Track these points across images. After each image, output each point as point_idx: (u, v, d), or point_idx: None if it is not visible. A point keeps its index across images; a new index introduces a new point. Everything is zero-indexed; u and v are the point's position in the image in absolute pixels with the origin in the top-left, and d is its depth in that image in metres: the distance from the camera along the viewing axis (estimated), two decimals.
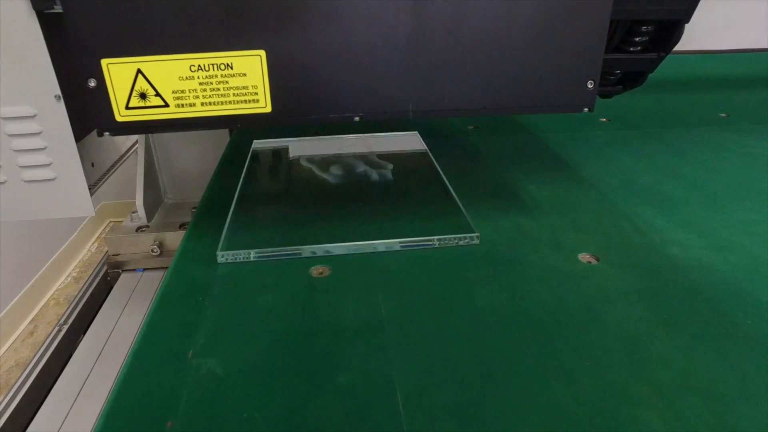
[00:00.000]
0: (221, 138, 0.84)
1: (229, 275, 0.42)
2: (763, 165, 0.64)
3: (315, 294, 0.40)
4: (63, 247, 2.13)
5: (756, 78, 1.06)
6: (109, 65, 0.36)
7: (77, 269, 2.16)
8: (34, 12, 0.53)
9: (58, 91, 0.57)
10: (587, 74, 0.40)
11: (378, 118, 0.38)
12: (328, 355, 0.34)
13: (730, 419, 0.29)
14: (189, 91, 0.37)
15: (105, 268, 0.80)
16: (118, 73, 0.36)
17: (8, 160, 0.61)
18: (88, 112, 0.71)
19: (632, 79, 0.49)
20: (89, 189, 0.64)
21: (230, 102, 0.37)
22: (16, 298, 1.83)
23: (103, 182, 0.73)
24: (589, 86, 0.40)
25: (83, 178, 0.64)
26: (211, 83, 0.36)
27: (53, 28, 0.56)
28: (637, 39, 0.45)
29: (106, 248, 0.85)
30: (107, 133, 0.39)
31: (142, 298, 0.74)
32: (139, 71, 0.36)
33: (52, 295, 2.00)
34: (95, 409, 0.56)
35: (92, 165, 0.68)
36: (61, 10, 0.55)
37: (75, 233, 2.22)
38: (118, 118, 0.38)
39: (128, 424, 0.29)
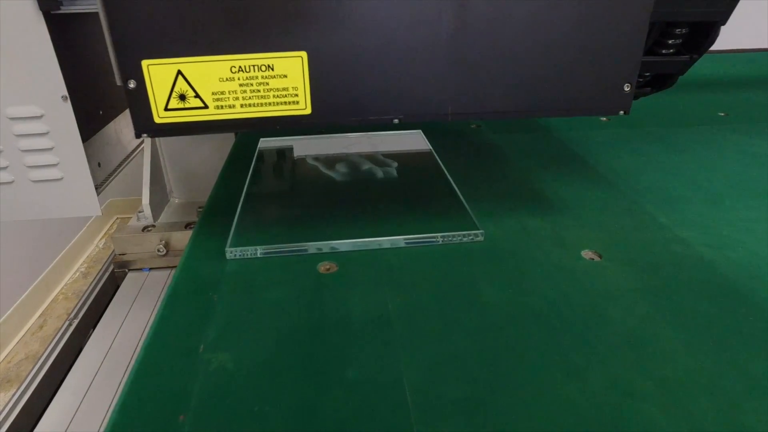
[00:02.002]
0: (227, 138, 0.84)
1: (237, 271, 0.42)
2: (762, 163, 0.64)
3: (323, 289, 0.40)
4: (71, 243, 2.14)
5: (754, 78, 1.06)
6: (149, 66, 0.36)
7: (85, 265, 2.16)
8: (41, 12, 0.53)
9: (65, 92, 0.57)
10: (624, 77, 0.39)
11: (416, 120, 0.38)
12: (337, 350, 0.34)
13: (734, 415, 0.29)
14: (229, 92, 0.36)
15: (111, 267, 0.80)
16: (159, 75, 0.36)
17: (16, 160, 0.61)
18: (93, 111, 0.71)
19: (661, 81, 0.48)
20: (96, 189, 0.64)
21: (270, 104, 0.36)
22: (26, 293, 1.83)
23: (110, 182, 0.73)
24: (626, 89, 0.40)
25: (90, 177, 0.64)
26: (252, 84, 0.36)
27: (60, 29, 0.56)
28: (670, 41, 0.45)
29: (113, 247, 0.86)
30: (145, 135, 0.38)
31: (148, 297, 0.74)
32: (179, 72, 0.36)
33: (61, 290, 2.00)
34: (106, 401, 0.56)
35: (99, 165, 0.69)
36: (68, 11, 0.55)
37: (83, 229, 2.22)
38: (157, 120, 0.37)
39: (141, 417, 0.29)
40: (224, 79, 0.36)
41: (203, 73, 0.36)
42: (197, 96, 0.37)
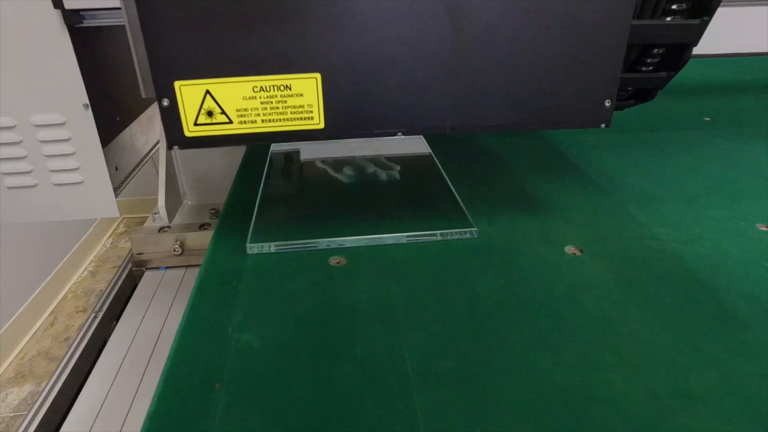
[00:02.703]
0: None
1: (257, 265, 0.48)
2: (738, 166, 0.70)
3: (334, 280, 0.46)
4: (79, 242, 2.20)
5: (741, 82, 1.11)
6: (181, 87, 0.41)
7: (93, 264, 2.23)
8: (65, 26, 0.59)
9: (87, 100, 0.63)
10: (605, 94, 0.45)
11: (418, 133, 0.44)
12: (347, 331, 0.40)
13: (682, 382, 0.35)
14: (251, 109, 0.42)
15: (130, 265, 0.86)
16: (189, 94, 0.42)
17: (39, 165, 0.66)
18: (111, 118, 0.76)
19: (643, 94, 0.54)
20: (114, 191, 0.70)
21: (288, 119, 0.42)
22: (36, 292, 1.90)
23: (126, 184, 0.79)
24: (607, 104, 0.45)
25: (109, 181, 0.70)
26: (271, 102, 0.42)
27: (81, 41, 0.62)
28: (648, 60, 0.50)
29: (124, 245, 0.91)
30: (176, 147, 0.44)
31: (165, 294, 0.80)
32: (207, 92, 0.41)
33: (70, 288, 2.07)
34: (133, 384, 0.62)
35: (116, 168, 0.74)
36: (89, 25, 0.60)
37: (90, 229, 2.29)
38: (187, 134, 0.43)
39: (184, 385, 0.35)
40: (247, 98, 0.42)
41: (229, 93, 0.42)
42: (223, 112, 0.43)
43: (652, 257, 0.49)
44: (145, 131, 0.93)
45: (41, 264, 1.95)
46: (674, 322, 0.41)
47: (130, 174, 0.85)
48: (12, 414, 1.50)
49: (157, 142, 1.00)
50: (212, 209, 0.88)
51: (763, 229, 0.55)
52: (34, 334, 1.82)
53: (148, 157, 0.96)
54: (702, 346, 0.38)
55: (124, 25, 0.58)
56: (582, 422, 0.32)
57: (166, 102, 0.44)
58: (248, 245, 0.50)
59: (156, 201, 0.79)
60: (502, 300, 0.43)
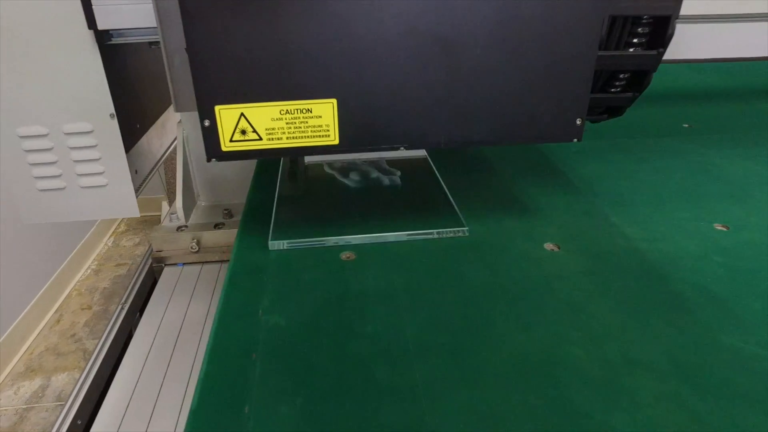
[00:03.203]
0: None
1: (279, 259, 0.57)
2: (707, 170, 0.79)
3: (345, 271, 0.55)
4: (82, 242, 2.29)
5: (721, 89, 1.21)
6: (220, 110, 0.50)
7: (96, 262, 2.32)
8: (96, 44, 0.67)
9: (113, 110, 0.72)
10: (576, 114, 0.54)
11: (416, 148, 0.53)
12: (358, 312, 0.49)
13: (630, 353, 0.44)
14: (278, 128, 0.51)
15: (150, 261, 0.94)
16: (227, 116, 0.50)
17: (68, 169, 0.75)
18: (132, 126, 0.85)
19: (614, 111, 0.63)
20: (135, 193, 0.79)
21: (308, 137, 0.51)
22: (42, 290, 1.99)
23: (144, 186, 0.88)
24: (578, 123, 0.54)
25: (131, 183, 0.78)
26: (295, 122, 0.50)
27: (109, 56, 0.70)
28: (616, 83, 0.59)
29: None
30: (214, 159, 0.53)
31: (185, 288, 0.89)
32: (242, 114, 0.50)
33: (74, 286, 2.16)
34: (162, 369, 0.70)
35: (135, 172, 0.83)
36: (117, 42, 0.69)
37: (92, 229, 2.38)
38: (224, 149, 0.52)
39: (226, 357, 0.44)
40: (275, 119, 0.51)
41: (259, 115, 0.51)
42: (254, 131, 0.52)
43: (620, 252, 0.59)
44: (159, 136, 1.03)
45: (46, 263, 2.04)
46: (630, 306, 0.50)
47: (147, 176, 0.94)
48: (25, 406, 1.59)
49: (169, 146, 1.10)
50: (225, 210, 0.97)
51: (719, 228, 0.64)
52: (41, 330, 1.91)
53: (161, 162, 1.06)
54: (650, 325, 0.47)
55: (145, 43, 0.67)
56: (549, 382, 0.42)
57: (207, 122, 0.53)
58: (270, 242, 0.59)
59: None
60: (488, 288, 0.52)
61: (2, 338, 1.73)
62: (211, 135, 0.51)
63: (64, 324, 1.95)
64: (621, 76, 0.57)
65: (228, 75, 0.48)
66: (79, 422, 0.67)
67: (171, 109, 1.07)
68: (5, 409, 1.58)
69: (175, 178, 0.99)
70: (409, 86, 0.50)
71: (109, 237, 2.49)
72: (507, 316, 0.49)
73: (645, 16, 0.52)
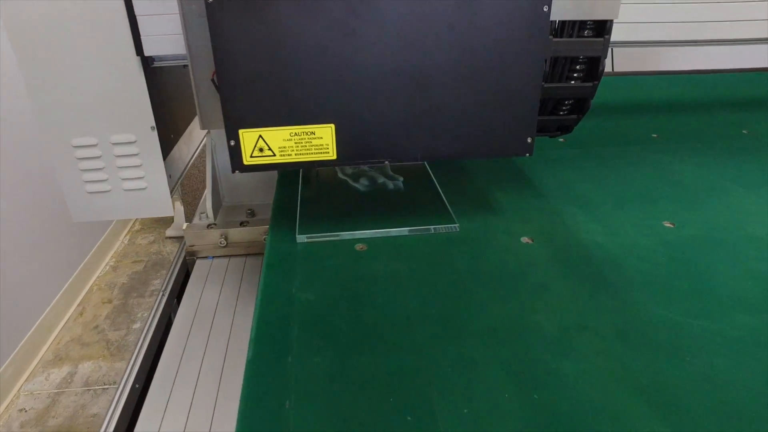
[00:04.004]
0: None
1: (305, 250, 0.71)
2: (666, 176, 0.92)
3: (360, 260, 0.68)
4: (100, 240, 2.42)
5: (689, 100, 1.34)
6: (243, 133, 0.64)
7: (113, 259, 2.45)
8: (141, 67, 0.80)
9: (153, 123, 0.85)
10: (527, 134, 0.67)
11: (398, 161, 0.67)
12: (370, 291, 0.62)
13: (582, 319, 0.58)
14: (288, 147, 0.64)
15: (184, 255, 1.08)
16: (248, 137, 0.64)
17: (113, 174, 0.87)
18: (168, 136, 0.97)
19: (564, 128, 0.77)
20: (169, 194, 0.92)
21: (311, 153, 0.65)
22: (65, 286, 2.13)
23: (176, 188, 1.01)
24: (528, 141, 0.68)
25: (167, 186, 0.91)
26: (302, 142, 0.64)
27: (151, 78, 0.83)
28: (563, 107, 0.73)
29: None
30: (238, 171, 0.66)
31: (215, 278, 1.02)
32: (260, 136, 0.64)
33: (95, 281, 2.29)
34: (201, 348, 0.83)
35: (169, 176, 0.96)
36: (158, 65, 0.82)
37: (109, 228, 2.51)
38: (245, 162, 0.65)
39: (270, 324, 0.58)
40: (285, 140, 0.64)
41: (274, 137, 0.64)
42: (269, 149, 0.65)
43: (582, 244, 0.72)
44: (187, 144, 1.17)
45: (68, 260, 2.17)
46: (585, 286, 0.63)
47: (178, 179, 1.08)
48: (56, 390, 1.72)
49: (194, 153, 1.23)
50: (248, 210, 1.11)
51: (667, 225, 0.77)
52: (66, 322, 2.05)
53: (188, 165, 1.20)
54: (599, 300, 0.61)
55: (180, 65, 0.80)
56: (516, 340, 0.55)
57: (233, 142, 0.66)
58: (297, 236, 0.73)
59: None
60: (473, 272, 0.66)
61: (32, 329, 1.87)
62: (235, 152, 0.65)
63: (86, 316, 2.09)
64: (566, 102, 0.71)
65: (249, 106, 0.62)
66: (137, 386, 0.81)
67: (196, 120, 1.21)
68: (39, 393, 1.72)
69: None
70: (390, 114, 0.64)
71: (125, 235, 2.62)
72: (487, 293, 0.62)
73: (580, 57, 0.65)
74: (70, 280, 2.14)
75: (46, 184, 2.01)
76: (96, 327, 2.02)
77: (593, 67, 0.66)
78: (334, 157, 0.65)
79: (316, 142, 0.64)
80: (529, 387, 0.50)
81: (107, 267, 2.38)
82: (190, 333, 0.86)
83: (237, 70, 0.60)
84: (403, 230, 0.74)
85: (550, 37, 0.64)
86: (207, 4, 0.57)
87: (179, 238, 2.50)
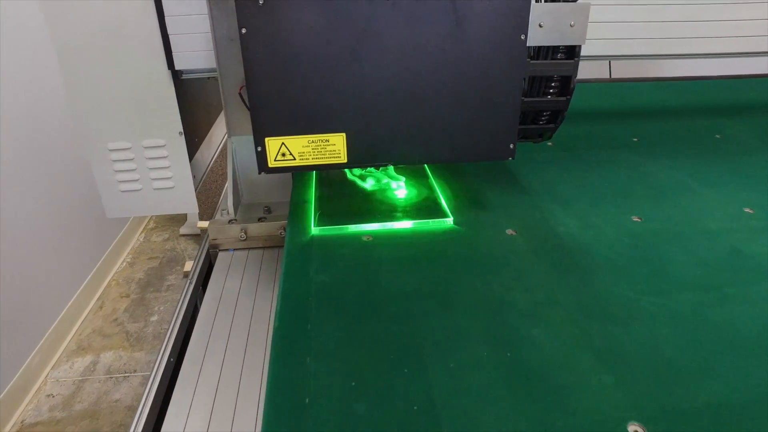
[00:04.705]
0: None
1: (320, 240, 0.83)
2: (641, 177, 1.04)
3: (367, 249, 0.81)
4: (117, 238, 2.56)
5: (671, 107, 1.46)
6: (268, 141, 0.76)
7: (130, 256, 2.59)
8: (172, 79, 0.92)
9: (181, 129, 0.97)
10: (509, 140, 0.80)
11: (399, 164, 0.79)
12: (377, 274, 0.75)
13: (552, 296, 0.70)
14: (306, 152, 0.77)
15: (207, 247, 1.20)
16: (272, 144, 0.76)
17: (144, 175, 0.99)
18: (192, 140, 1.10)
19: (543, 135, 0.89)
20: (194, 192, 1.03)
21: (326, 157, 0.77)
22: (86, 281, 2.26)
23: (198, 187, 1.13)
24: (510, 146, 0.80)
25: (192, 186, 1.04)
26: (318, 148, 0.77)
27: (179, 88, 0.95)
28: (541, 118, 0.85)
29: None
30: (263, 172, 0.79)
31: (237, 268, 1.14)
32: (282, 143, 0.76)
33: (113, 277, 2.43)
34: (226, 328, 0.96)
35: (194, 176, 1.08)
36: (187, 77, 0.94)
37: (126, 226, 2.64)
38: (270, 165, 0.78)
39: (292, 300, 0.70)
40: (304, 146, 0.77)
41: (294, 144, 0.77)
42: (291, 154, 0.78)
43: (558, 236, 0.84)
44: (208, 147, 1.29)
45: (88, 257, 2.31)
46: (558, 270, 0.76)
47: (200, 179, 1.20)
48: (80, 378, 1.86)
49: (213, 156, 1.36)
50: (265, 207, 1.23)
51: (635, 219, 0.89)
52: (86, 315, 2.18)
53: (210, 166, 1.32)
54: (568, 281, 0.73)
55: (205, 78, 0.92)
56: (495, 312, 0.67)
57: (259, 148, 0.78)
58: (313, 228, 0.85)
59: None
60: (463, 258, 0.78)
61: (56, 321, 2.00)
62: (262, 156, 0.77)
63: (106, 310, 2.22)
64: (544, 113, 0.84)
65: (274, 119, 0.75)
66: (172, 359, 0.93)
67: (214, 126, 1.34)
68: (64, 380, 1.85)
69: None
70: (392, 124, 0.76)
71: (141, 233, 2.75)
72: (473, 276, 0.75)
73: (554, 76, 0.78)
74: (90, 275, 2.28)
75: (67, 187, 2.14)
76: (115, 319, 2.16)
77: (565, 84, 0.79)
78: (345, 160, 0.78)
79: (330, 148, 0.77)
80: (504, 348, 0.62)
81: (124, 263, 2.51)
82: (216, 314, 0.98)
83: (264, 89, 0.73)
84: (405, 224, 0.87)
85: (528, 59, 0.76)
86: (241, 35, 0.69)
87: (193, 236, 2.63)
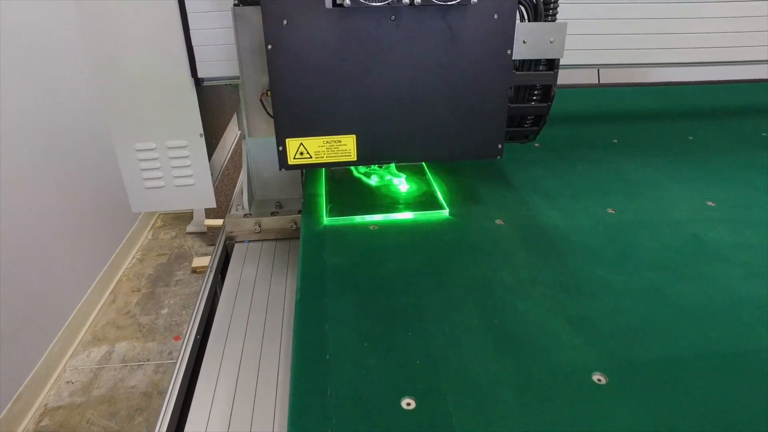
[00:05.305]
0: None
1: (331, 229, 0.95)
2: (618, 175, 1.16)
3: (373, 236, 0.92)
4: (127, 236, 2.67)
5: (649, 111, 1.58)
6: (289, 141, 0.88)
7: (139, 252, 2.70)
8: (194, 86, 1.03)
9: (201, 131, 1.08)
10: (497, 141, 0.91)
11: (401, 162, 0.91)
12: (382, 257, 0.86)
13: (535, 275, 0.82)
14: (321, 151, 0.88)
15: (225, 239, 1.32)
16: (292, 144, 0.88)
17: (167, 173, 1.10)
18: (210, 141, 1.21)
19: (528, 137, 1.01)
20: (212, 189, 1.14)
21: (338, 156, 0.89)
22: (98, 276, 2.37)
23: (215, 185, 1.24)
24: (499, 147, 0.92)
25: (211, 183, 1.15)
26: (331, 148, 0.88)
27: (200, 94, 1.06)
28: (526, 121, 0.97)
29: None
30: (284, 169, 0.90)
31: (252, 258, 1.25)
32: (301, 143, 0.88)
33: (124, 272, 2.53)
34: (246, 310, 1.07)
35: (211, 174, 1.19)
36: (207, 84, 1.05)
37: (134, 224, 2.75)
38: (289, 163, 0.89)
39: (311, 279, 0.82)
40: (319, 146, 0.88)
41: (311, 144, 0.88)
42: (308, 153, 0.89)
43: (542, 225, 0.96)
44: (222, 148, 1.41)
45: (100, 254, 2.42)
46: (539, 253, 0.87)
47: (217, 177, 1.31)
48: (97, 366, 1.96)
49: (227, 156, 1.47)
50: (277, 202, 1.35)
51: (610, 211, 1.01)
52: (100, 308, 2.29)
53: (224, 166, 1.44)
54: (548, 262, 0.85)
55: (223, 84, 1.03)
56: (485, 288, 0.79)
57: (281, 148, 0.90)
58: (325, 219, 0.97)
59: None
60: (457, 244, 0.90)
61: (72, 314, 2.11)
62: (282, 155, 0.89)
63: (118, 303, 2.33)
64: (528, 118, 0.96)
65: (294, 122, 0.86)
66: (198, 336, 1.04)
67: (228, 128, 1.45)
68: (82, 368, 1.96)
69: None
70: (395, 127, 0.88)
71: (149, 231, 2.86)
72: (467, 259, 0.86)
73: (537, 85, 0.90)
74: (102, 271, 2.39)
75: (82, 188, 2.25)
76: (128, 312, 2.27)
77: (547, 92, 0.91)
78: (355, 158, 0.89)
79: (342, 147, 0.88)
80: (492, 316, 0.74)
81: (134, 260, 2.62)
82: (236, 298, 1.10)
83: (286, 97, 0.84)
84: (405, 215, 0.98)
85: (514, 71, 0.88)
86: (267, 51, 0.81)
87: (199, 234, 2.74)
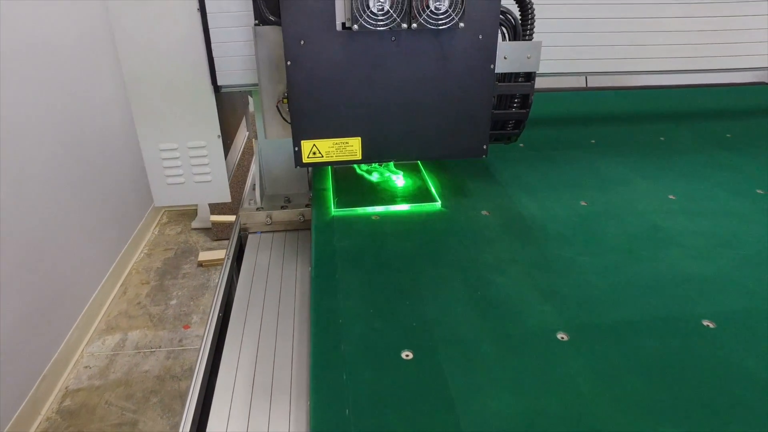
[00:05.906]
0: None
1: (339, 219, 1.10)
2: (592, 171, 1.31)
3: (375, 224, 1.07)
4: (134, 232, 2.81)
5: (627, 113, 1.74)
6: (303, 143, 1.03)
7: (147, 247, 2.84)
8: (213, 93, 1.17)
9: (219, 132, 1.23)
10: (482, 142, 1.07)
11: (399, 161, 1.06)
12: (382, 241, 1.01)
13: (513, 257, 0.97)
14: (331, 151, 1.03)
15: (239, 231, 1.46)
16: (306, 145, 1.03)
17: (187, 170, 1.24)
18: (225, 141, 1.35)
19: (510, 139, 1.17)
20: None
21: (346, 155, 1.04)
22: (110, 270, 2.51)
23: (229, 181, 1.39)
24: (484, 147, 1.07)
25: (226, 179, 1.29)
26: (340, 148, 1.03)
27: (218, 100, 1.20)
28: (509, 124, 1.13)
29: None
30: (299, 166, 1.05)
31: (264, 248, 1.40)
32: (314, 144, 1.03)
33: (133, 266, 2.67)
34: (262, 291, 1.22)
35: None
36: (225, 90, 1.20)
37: (142, 221, 2.89)
38: (304, 161, 1.04)
39: (323, 260, 0.97)
40: (330, 147, 1.03)
41: (323, 145, 1.03)
42: (319, 152, 1.04)
43: (522, 216, 1.11)
44: (234, 147, 1.55)
45: (111, 249, 2.56)
46: (518, 239, 1.03)
47: (230, 174, 1.45)
48: (111, 352, 2.11)
49: (238, 155, 1.61)
50: (285, 197, 1.49)
51: (582, 204, 1.17)
52: (113, 299, 2.43)
53: (236, 164, 1.58)
54: (525, 247, 1.00)
55: (237, 91, 1.17)
56: (470, 267, 0.94)
57: (296, 148, 1.05)
58: (333, 210, 1.12)
59: None
60: (448, 232, 1.05)
61: (88, 304, 2.25)
62: (298, 154, 1.04)
63: (129, 295, 2.47)
64: (509, 122, 1.11)
65: (308, 126, 1.01)
66: (220, 314, 1.19)
67: (239, 130, 1.59)
68: (98, 354, 2.10)
69: None
70: (395, 130, 1.03)
71: (155, 227, 3.00)
72: (456, 244, 1.01)
73: (516, 94, 1.05)
74: (113, 265, 2.53)
75: (95, 186, 2.39)
76: (139, 303, 2.41)
77: (525, 100, 1.06)
78: (360, 157, 1.04)
79: (349, 148, 1.03)
80: (475, 288, 0.89)
81: (142, 254, 2.76)
82: (252, 281, 1.25)
83: (302, 105, 0.99)
84: (403, 206, 1.13)
85: (496, 83, 1.04)
86: (287, 66, 0.96)
87: (204, 229, 2.89)
